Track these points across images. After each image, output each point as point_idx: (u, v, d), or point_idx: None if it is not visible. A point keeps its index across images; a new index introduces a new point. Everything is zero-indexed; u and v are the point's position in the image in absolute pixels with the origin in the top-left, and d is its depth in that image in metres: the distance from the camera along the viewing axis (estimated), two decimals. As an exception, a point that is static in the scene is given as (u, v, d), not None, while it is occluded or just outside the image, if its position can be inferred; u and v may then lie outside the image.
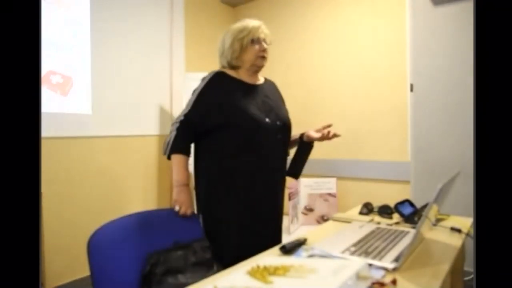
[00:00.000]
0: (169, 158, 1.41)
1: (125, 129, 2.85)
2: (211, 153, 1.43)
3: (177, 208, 1.34)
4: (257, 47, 1.47)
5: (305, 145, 1.58)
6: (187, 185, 1.40)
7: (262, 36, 1.49)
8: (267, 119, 1.43)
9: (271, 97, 1.54)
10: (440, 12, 2.29)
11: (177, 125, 1.41)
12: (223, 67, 1.53)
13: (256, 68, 1.51)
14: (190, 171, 1.47)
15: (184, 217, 1.35)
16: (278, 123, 1.47)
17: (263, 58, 1.49)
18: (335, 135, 1.49)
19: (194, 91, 1.47)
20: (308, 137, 1.54)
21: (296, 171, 1.61)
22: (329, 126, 1.51)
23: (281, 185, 1.54)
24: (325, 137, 1.50)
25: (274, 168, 1.47)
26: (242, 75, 1.50)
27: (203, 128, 1.41)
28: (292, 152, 1.64)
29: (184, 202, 1.36)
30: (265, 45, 1.48)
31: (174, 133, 1.41)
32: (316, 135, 1.51)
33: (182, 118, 1.42)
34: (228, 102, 1.40)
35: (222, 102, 1.40)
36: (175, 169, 1.39)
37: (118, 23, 2.81)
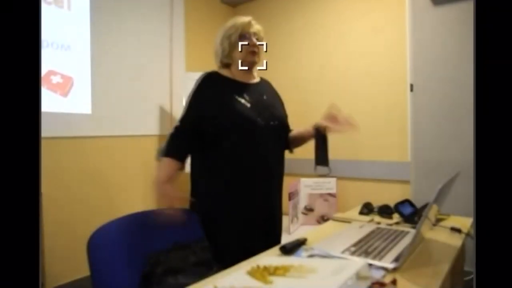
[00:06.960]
0: None
1: (125, 129, 2.84)
2: (207, 154, 1.41)
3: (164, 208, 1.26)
4: (246, 42, 1.42)
5: (319, 135, 1.51)
6: (165, 182, 1.29)
7: (252, 31, 1.44)
8: (259, 119, 1.39)
9: (266, 96, 1.50)
10: (440, 12, 2.29)
11: (172, 131, 1.38)
12: (218, 67, 1.50)
13: (247, 65, 1.45)
14: (187, 171, 1.47)
15: (176, 216, 1.27)
16: (272, 122, 1.43)
17: (253, 53, 1.43)
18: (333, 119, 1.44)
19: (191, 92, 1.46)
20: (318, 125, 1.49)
21: (323, 161, 1.52)
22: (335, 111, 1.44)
23: (279, 184, 1.52)
24: (333, 119, 1.45)
25: (270, 168, 1.45)
26: (235, 73, 1.46)
27: (200, 130, 1.37)
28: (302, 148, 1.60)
29: (165, 199, 1.27)
30: (254, 40, 1.43)
31: (168, 139, 1.37)
32: (324, 122, 1.46)
33: (177, 124, 1.38)
34: (220, 103, 1.37)
35: (214, 103, 1.37)
36: (157, 168, 1.32)
37: (118, 23, 2.81)
